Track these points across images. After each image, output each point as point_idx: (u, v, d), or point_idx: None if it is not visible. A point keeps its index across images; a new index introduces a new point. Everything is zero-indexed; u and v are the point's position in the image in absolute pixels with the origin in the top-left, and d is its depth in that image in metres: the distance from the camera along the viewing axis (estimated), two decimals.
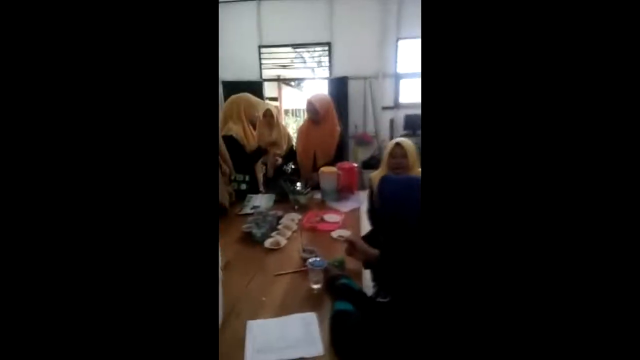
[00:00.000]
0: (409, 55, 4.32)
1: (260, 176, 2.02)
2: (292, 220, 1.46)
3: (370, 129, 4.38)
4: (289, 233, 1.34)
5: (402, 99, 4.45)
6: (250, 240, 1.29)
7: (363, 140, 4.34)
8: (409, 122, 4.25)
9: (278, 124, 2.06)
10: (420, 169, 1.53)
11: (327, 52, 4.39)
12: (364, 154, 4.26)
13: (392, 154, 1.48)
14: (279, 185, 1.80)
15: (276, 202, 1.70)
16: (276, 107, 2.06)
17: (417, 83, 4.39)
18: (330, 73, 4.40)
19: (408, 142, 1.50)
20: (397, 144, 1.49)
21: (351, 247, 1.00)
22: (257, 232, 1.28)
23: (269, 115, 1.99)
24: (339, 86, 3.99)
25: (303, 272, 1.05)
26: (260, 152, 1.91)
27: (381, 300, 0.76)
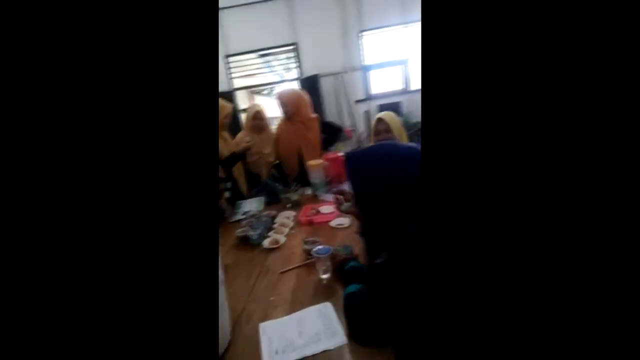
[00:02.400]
0: (373, 46, 4.38)
1: (242, 182, 1.92)
2: (288, 218, 1.40)
3: (348, 123, 4.39)
4: (286, 230, 1.28)
5: (373, 90, 4.50)
6: (247, 244, 1.22)
7: (343, 135, 4.34)
8: (382, 111, 4.30)
9: (268, 128, 1.98)
10: (408, 143, 1.52)
11: (294, 54, 4.38)
12: (346, 148, 4.26)
13: (376, 131, 1.45)
14: (267, 187, 1.73)
15: (267, 204, 1.64)
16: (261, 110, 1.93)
17: (384, 73, 4.45)
18: (301, 73, 4.38)
19: (389, 115, 1.48)
20: (379, 120, 1.47)
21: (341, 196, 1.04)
22: (252, 234, 1.21)
23: (259, 118, 1.88)
24: (311, 85, 3.98)
25: (308, 265, 0.99)
26: (236, 157, 1.80)
27: (378, 261, 0.73)
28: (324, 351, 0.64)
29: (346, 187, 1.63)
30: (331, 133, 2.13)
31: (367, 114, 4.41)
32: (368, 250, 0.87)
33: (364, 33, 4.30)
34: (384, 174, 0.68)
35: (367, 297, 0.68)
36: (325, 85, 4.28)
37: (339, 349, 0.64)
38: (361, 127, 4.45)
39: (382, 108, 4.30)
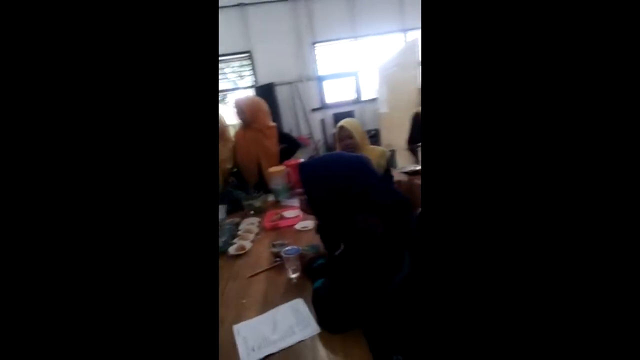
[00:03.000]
0: (326, 58, 4.57)
1: None
2: (252, 224, 1.41)
3: (305, 131, 4.48)
4: (252, 236, 1.28)
5: (328, 100, 4.68)
6: None
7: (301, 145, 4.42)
8: (338, 120, 4.47)
9: (228, 137, 1.94)
10: (370, 145, 1.63)
11: (248, 62, 4.36)
12: (303, 156, 4.34)
13: (340, 138, 1.54)
14: (229, 195, 1.71)
15: (229, 212, 1.62)
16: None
17: (338, 83, 4.66)
18: (256, 81, 4.38)
19: (351, 122, 1.58)
20: (341, 127, 1.56)
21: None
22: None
23: (220, 127, 1.84)
24: (266, 93, 3.99)
25: (277, 267, 1.02)
26: None
27: (337, 253, 0.82)
28: (299, 342, 0.68)
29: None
30: (290, 144, 2.18)
31: (323, 122, 4.56)
32: (326, 246, 0.95)
33: (316, 44, 4.47)
34: (336, 182, 0.77)
35: (331, 287, 0.74)
36: (281, 94, 4.33)
37: (312, 339, 0.69)
38: (318, 135, 4.57)
39: (337, 116, 4.48)
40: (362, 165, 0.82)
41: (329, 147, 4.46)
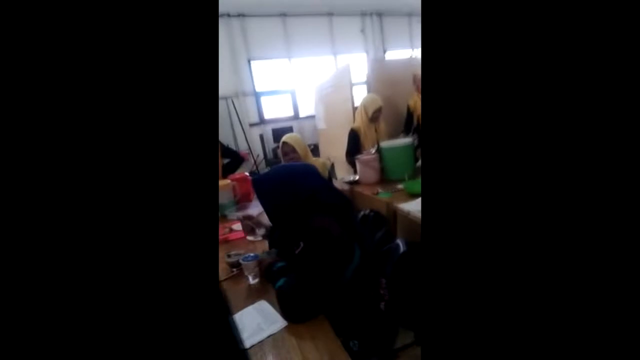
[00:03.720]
0: (263, 75, 4.67)
1: None
2: None
3: (242, 146, 4.44)
4: None
5: (267, 115, 4.75)
6: None
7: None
8: (277, 135, 4.58)
9: None
10: (313, 157, 1.76)
11: None
12: (244, 170, 4.28)
13: (284, 153, 1.63)
14: None
15: None
16: None
17: (275, 100, 4.79)
18: None
19: (292, 136, 1.69)
20: (284, 142, 1.66)
21: (249, 221, 1.18)
22: None
23: None
24: None
25: (234, 276, 1.04)
26: None
27: (297, 251, 0.91)
28: (269, 336, 0.73)
29: (252, 210, 1.72)
30: (233, 158, 2.19)
31: (262, 137, 4.59)
32: (280, 250, 1.03)
33: (252, 61, 4.55)
34: (287, 189, 0.88)
35: (294, 281, 0.82)
36: (219, 108, 4.24)
37: (281, 331, 0.74)
38: (257, 149, 4.57)
39: (275, 132, 4.57)
40: (308, 172, 0.94)
41: (268, 162, 4.50)
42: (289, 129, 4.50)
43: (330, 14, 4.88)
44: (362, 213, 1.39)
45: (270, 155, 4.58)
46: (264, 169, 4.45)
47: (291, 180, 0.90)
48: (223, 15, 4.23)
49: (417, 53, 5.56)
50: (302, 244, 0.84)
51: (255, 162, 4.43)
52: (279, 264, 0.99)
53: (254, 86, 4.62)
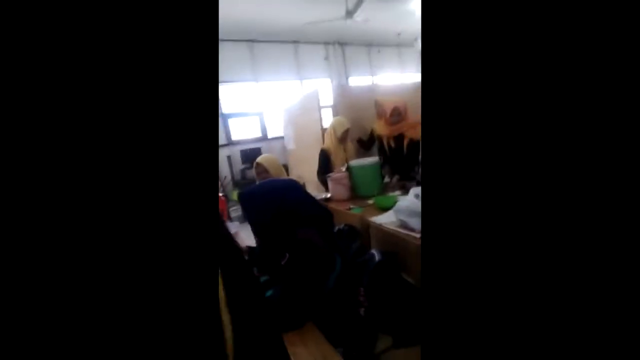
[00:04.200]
0: (230, 97, 4.71)
1: None
2: None
3: None
4: None
5: (235, 137, 4.75)
6: None
7: None
8: (245, 156, 4.57)
9: None
10: (285, 175, 1.82)
11: None
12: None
13: (257, 173, 1.69)
14: None
15: None
16: None
17: (244, 122, 4.83)
18: None
19: (265, 157, 1.76)
20: (257, 163, 1.73)
21: None
22: None
23: None
24: None
25: None
26: None
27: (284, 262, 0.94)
28: None
29: (233, 228, 1.71)
30: None
31: (229, 159, 4.55)
32: (265, 263, 1.06)
33: (220, 84, 4.58)
34: (271, 204, 0.95)
35: (281, 291, 0.86)
36: None
37: None
38: (225, 170, 4.51)
39: (243, 153, 4.57)
40: (291, 186, 1.01)
41: (236, 183, 4.44)
42: (258, 150, 4.52)
43: (296, 42, 5.15)
44: (337, 227, 1.47)
45: (237, 176, 4.54)
46: (231, 190, 4.38)
47: (276, 194, 0.96)
48: None
49: (377, 80, 6.02)
50: (287, 255, 0.89)
51: (222, 184, 4.35)
52: (263, 278, 1.02)
53: (220, 108, 4.62)
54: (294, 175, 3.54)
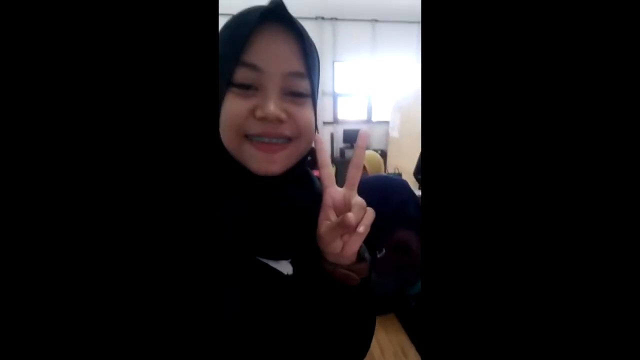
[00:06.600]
0: (345, 77, 4.82)
1: None
2: None
3: None
4: None
5: (341, 116, 4.91)
6: None
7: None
8: (347, 136, 4.71)
9: None
10: (383, 171, 1.85)
11: None
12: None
13: None
14: None
15: None
16: None
17: (353, 101, 4.91)
18: None
19: (368, 154, 1.82)
20: None
21: None
22: None
23: None
24: None
25: None
26: None
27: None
28: None
29: None
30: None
31: (332, 136, 4.77)
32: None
33: (336, 63, 4.70)
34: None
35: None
36: None
37: None
38: (327, 147, 4.77)
39: (346, 133, 4.70)
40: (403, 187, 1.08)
41: (334, 160, 4.65)
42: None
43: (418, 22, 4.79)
44: None
45: (337, 154, 4.74)
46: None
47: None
48: (317, 18, 4.48)
49: None
50: (384, 250, 0.96)
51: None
52: None
53: (333, 86, 4.80)
54: (391, 166, 3.49)
